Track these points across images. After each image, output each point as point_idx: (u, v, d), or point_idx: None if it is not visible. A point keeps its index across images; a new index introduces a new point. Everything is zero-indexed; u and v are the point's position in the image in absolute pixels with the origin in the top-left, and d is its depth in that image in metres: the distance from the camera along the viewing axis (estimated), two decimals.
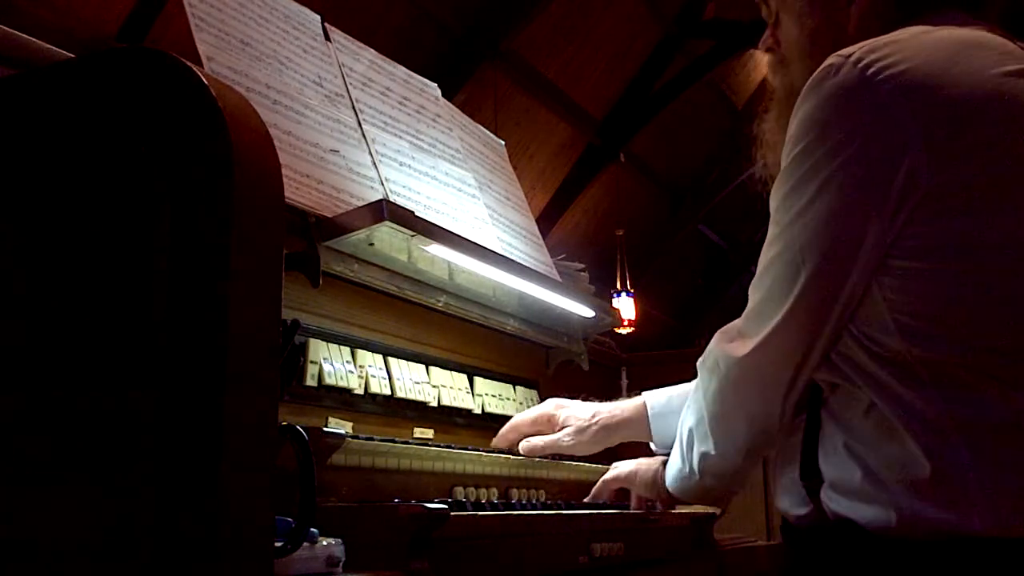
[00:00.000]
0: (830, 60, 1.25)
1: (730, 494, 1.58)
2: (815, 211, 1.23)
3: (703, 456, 1.44)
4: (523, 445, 1.88)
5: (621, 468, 1.79)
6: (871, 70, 1.21)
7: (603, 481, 1.82)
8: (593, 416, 1.83)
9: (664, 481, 1.60)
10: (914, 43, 1.24)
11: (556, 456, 1.91)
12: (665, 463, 1.63)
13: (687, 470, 1.49)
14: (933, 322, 1.18)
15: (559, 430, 1.87)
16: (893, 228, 1.19)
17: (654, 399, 1.80)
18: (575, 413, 1.86)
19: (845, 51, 1.25)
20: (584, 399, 1.92)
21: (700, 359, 1.44)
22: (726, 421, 1.39)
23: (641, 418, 1.79)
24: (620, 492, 1.82)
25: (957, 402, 1.16)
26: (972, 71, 1.21)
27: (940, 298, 1.19)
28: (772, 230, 1.31)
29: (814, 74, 1.26)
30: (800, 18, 1.44)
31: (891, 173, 1.18)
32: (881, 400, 1.20)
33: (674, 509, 1.80)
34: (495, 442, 1.94)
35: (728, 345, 1.36)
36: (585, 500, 1.84)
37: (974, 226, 1.18)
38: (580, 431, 1.83)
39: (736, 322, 1.39)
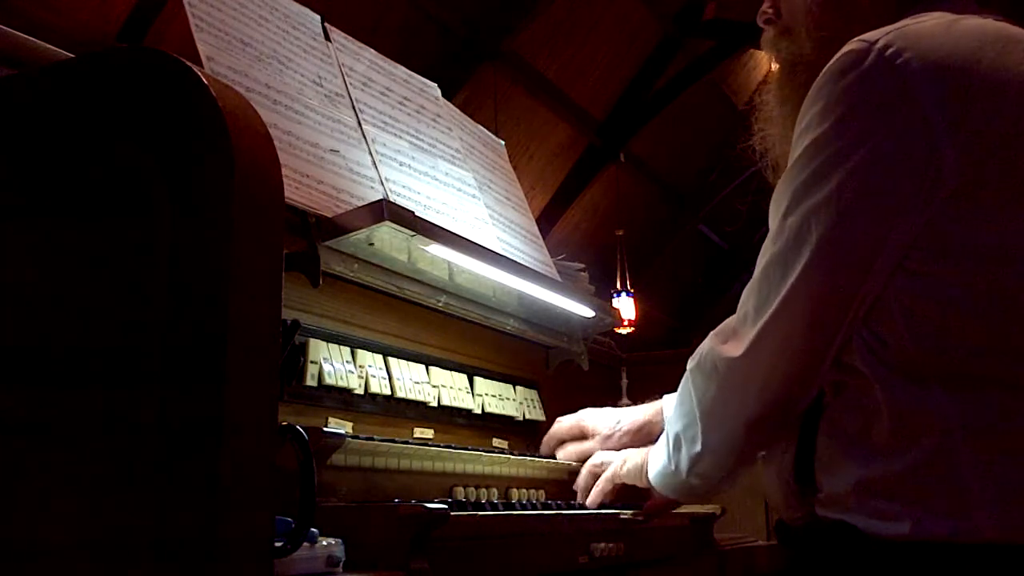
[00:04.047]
0: (852, 45, 1.20)
1: (713, 493, 1.56)
2: (833, 208, 1.18)
3: (693, 458, 1.41)
4: (560, 454, 1.93)
5: (607, 457, 1.77)
6: (899, 59, 1.16)
7: (588, 470, 1.80)
8: (617, 423, 1.86)
9: (647, 476, 1.60)
10: (940, 32, 1.20)
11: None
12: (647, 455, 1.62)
13: (672, 467, 1.47)
14: (947, 324, 1.16)
15: (591, 437, 1.89)
16: (915, 228, 1.16)
17: (671, 402, 1.79)
18: (601, 421, 1.89)
19: (868, 36, 1.20)
20: (616, 404, 1.96)
21: (693, 361, 1.39)
22: (721, 424, 1.35)
23: (660, 420, 1.79)
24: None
25: (964, 405, 1.14)
26: (1001, 64, 1.18)
27: (956, 300, 1.16)
28: (779, 223, 1.25)
29: (834, 59, 1.21)
30: None
31: (917, 170, 1.14)
32: (887, 403, 1.18)
33: (659, 504, 1.76)
34: (543, 450, 1.98)
35: (724, 346, 1.32)
36: (574, 490, 1.84)
37: (995, 227, 1.15)
38: (607, 438, 1.86)
39: (729, 322, 1.34)
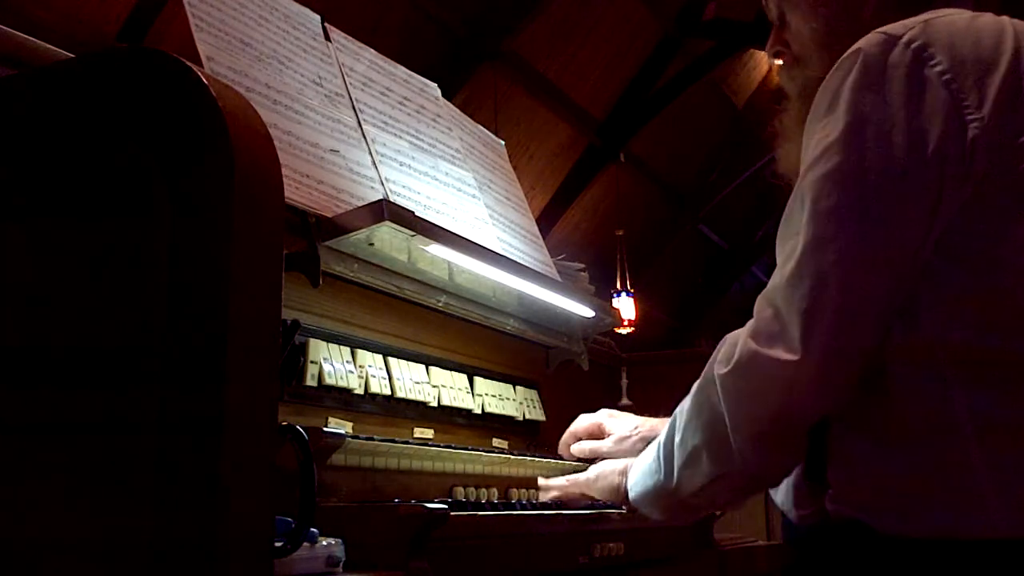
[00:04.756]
0: (872, 38, 1.20)
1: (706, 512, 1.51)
2: (860, 203, 1.17)
3: (715, 477, 1.31)
4: (573, 448, 1.92)
5: (584, 473, 1.72)
6: (925, 53, 1.18)
7: (566, 480, 1.75)
8: (635, 428, 1.84)
9: (626, 492, 1.53)
10: (963, 27, 1.21)
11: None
12: (624, 472, 1.57)
13: (672, 484, 1.38)
14: (965, 321, 1.16)
15: (607, 437, 1.87)
16: (940, 224, 1.16)
17: None
18: (620, 424, 1.88)
19: (892, 30, 1.20)
20: (616, 404, 1.94)
21: (724, 366, 1.27)
22: (772, 437, 1.25)
23: None
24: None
25: (978, 401, 1.14)
26: (1020, 59, 1.20)
27: (977, 298, 1.16)
28: (809, 216, 1.21)
29: (853, 48, 1.21)
30: (814, 9, 1.40)
31: (941, 164, 1.15)
32: (901, 398, 1.18)
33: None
34: (560, 449, 1.96)
35: (772, 351, 1.21)
36: (542, 484, 1.80)
37: (1019, 222, 1.16)
38: (621, 440, 1.84)
39: (763, 326, 1.24)
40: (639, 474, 1.50)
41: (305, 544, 1.08)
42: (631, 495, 1.52)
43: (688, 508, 1.45)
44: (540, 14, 7.87)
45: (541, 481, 1.79)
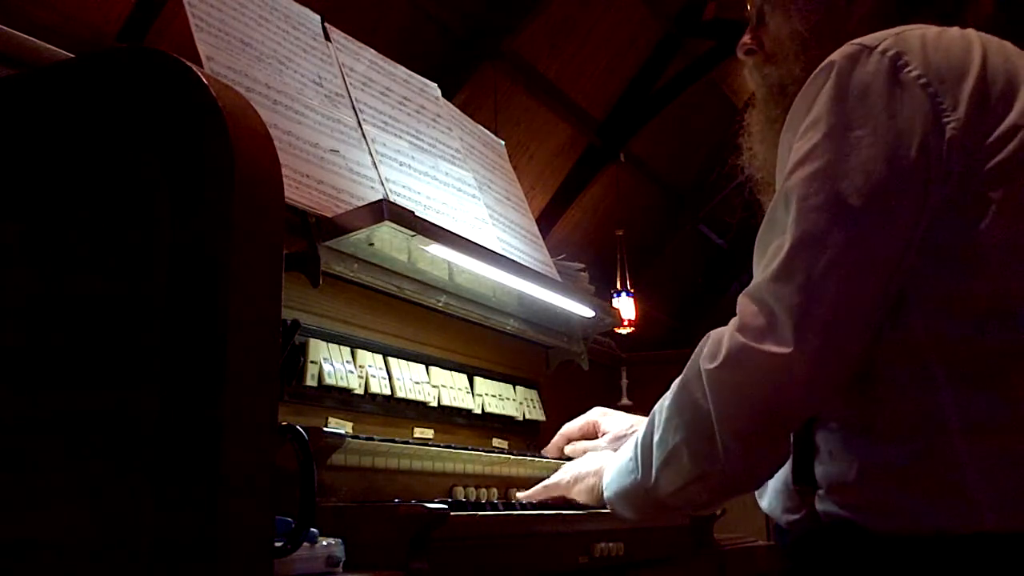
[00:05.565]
0: (850, 49, 1.23)
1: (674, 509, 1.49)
2: (847, 207, 1.18)
3: (695, 477, 1.28)
4: (567, 449, 1.91)
5: (560, 476, 1.72)
6: (900, 62, 1.20)
7: (544, 487, 1.74)
8: (631, 426, 1.83)
9: (602, 492, 1.50)
10: (933, 38, 1.24)
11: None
12: (599, 472, 1.55)
13: (649, 483, 1.35)
14: (951, 311, 1.17)
15: (601, 436, 1.86)
16: (921, 229, 1.17)
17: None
18: (615, 422, 1.87)
19: (867, 41, 1.23)
20: (616, 404, 1.93)
21: (713, 368, 1.24)
22: (759, 434, 1.23)
23: None
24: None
25: (965, 396, 1.15)
26: (988, 64, 1.22)
27: (961, 288, 1.17)
28: (796, 214, 1.20)
29: (828, 59, 1.23)
30: (800, 12, 1.42)
31: (925, 162, 1.17)
32: (888, 394, 1.19)
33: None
34: (547, 451, 1.95)
35: (762, 346, 1.19)
36: (521, 497, 1.78)
37: (998, 225, 1.17)
38: (617, 438, 1.82)
39: (751, 320, 1.22)
40: (614, 473, 1.46)
41: (305, 544, 1.08)
42: (606, 495, 1.49)
43: (663, 508, 1.41)
44: (540, 14, 7.86)
45: (519, 495, 1.78)
